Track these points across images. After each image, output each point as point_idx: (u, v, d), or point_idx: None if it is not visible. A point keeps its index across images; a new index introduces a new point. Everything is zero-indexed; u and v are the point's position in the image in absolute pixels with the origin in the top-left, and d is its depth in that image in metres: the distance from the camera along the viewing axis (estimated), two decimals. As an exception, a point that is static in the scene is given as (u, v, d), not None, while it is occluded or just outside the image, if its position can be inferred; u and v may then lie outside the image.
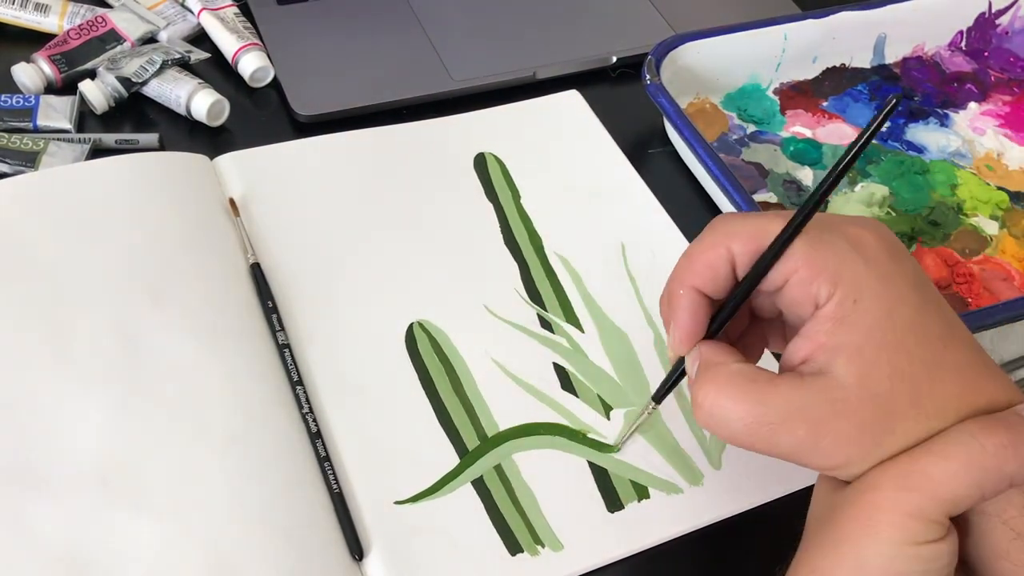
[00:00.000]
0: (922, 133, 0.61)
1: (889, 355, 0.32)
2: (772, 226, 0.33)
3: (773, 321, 0.38)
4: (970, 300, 0.50)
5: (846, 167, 0.33)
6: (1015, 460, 0.30)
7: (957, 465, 0.30)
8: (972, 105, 0.63)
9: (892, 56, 0.64)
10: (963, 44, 0.66)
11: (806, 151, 0.58)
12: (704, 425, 0.34)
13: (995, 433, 0.30)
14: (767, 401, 0.32)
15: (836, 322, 0.32)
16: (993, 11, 0.66)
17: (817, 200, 0.33)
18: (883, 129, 0.60)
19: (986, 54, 0.66)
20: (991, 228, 0.55)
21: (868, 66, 0.64)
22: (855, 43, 0.63)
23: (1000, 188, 0.58)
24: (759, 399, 0.32)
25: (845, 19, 0.61)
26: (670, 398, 0.45)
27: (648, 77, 0.54)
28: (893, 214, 0.55)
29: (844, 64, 0.63)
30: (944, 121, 0.62)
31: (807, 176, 0.57)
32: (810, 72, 0.62)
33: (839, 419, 0.31)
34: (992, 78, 0.65)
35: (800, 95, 0.62)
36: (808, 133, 0.59)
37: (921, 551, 0.30)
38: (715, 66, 0.59)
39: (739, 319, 0.37)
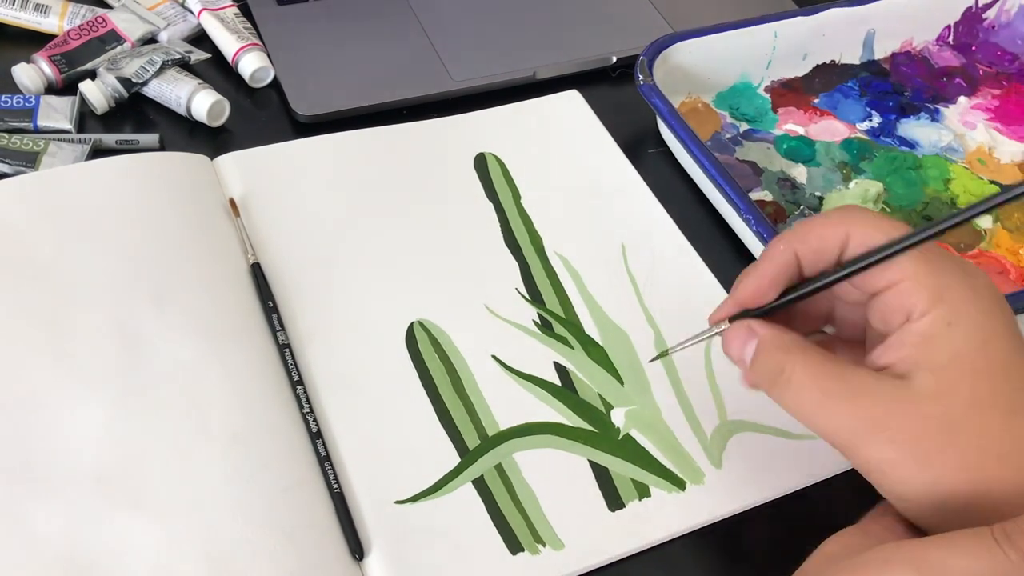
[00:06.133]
0: (914, 128, 0.61)
1: (972, 383, 0.31)
2: (896, 230, 0.33)
3: (816, 319, 0.38)
4: None
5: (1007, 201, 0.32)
6: None
7: (978, 567, 0.29)
8: (962, 99, 0.63)
9: (881, 52, 0.65)
10: (951, 39, 0.67)
11: (799, 149, 0.58)
12: (775, 399, 0.34)
13: (1021, 543, 0.29)
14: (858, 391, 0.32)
15: (926, 338, 0.32)
16: (980, 5, 0.66)
17: (955, 221, 0.32)
18: (875, 125, 0.61)
19: (974, 48, 0.67)
20: (985, 222, 0.55)
21: (858, 62, 0.64)
22: (844, 39, 0.63)
23: (992, 182, 0.58)
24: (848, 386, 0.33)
25: (835, 16, 0.61)
26: (670, 397, 0.45)
27: (641, 78, 0.54)
28: (888, 210, 0.55)
29: (834, 61, 0.63)
30: (935, 116, 0.62)
31: (801, 174, 0.57)
32: (800, 69, 0.63)
33: (901, 419, 0.31)
34: (980, 72, 0.65)
35: (791, 92, 0.62)
36: (801, 131, 0.60)
37: None
38: (706, 65, 0.59)
39: (796, 307, 0.37)
